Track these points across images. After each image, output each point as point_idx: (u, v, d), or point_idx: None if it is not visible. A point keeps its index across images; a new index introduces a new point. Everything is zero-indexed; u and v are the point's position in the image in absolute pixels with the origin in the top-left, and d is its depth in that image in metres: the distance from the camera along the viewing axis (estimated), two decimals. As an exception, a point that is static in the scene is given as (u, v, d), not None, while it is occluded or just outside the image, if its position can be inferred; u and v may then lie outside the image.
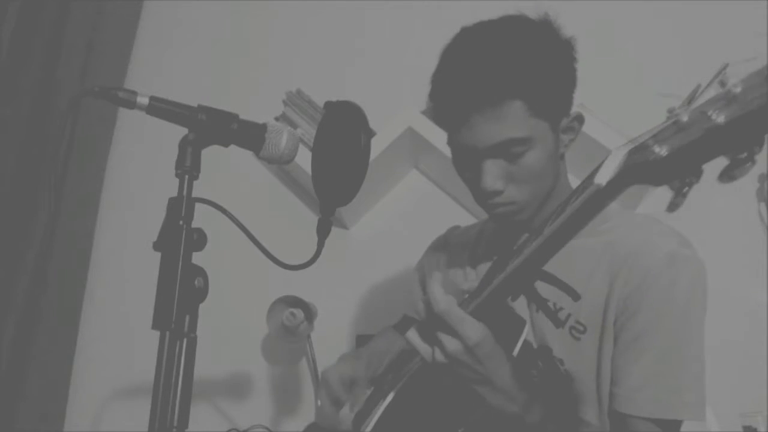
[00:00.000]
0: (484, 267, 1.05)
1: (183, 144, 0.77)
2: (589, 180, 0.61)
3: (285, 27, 2.05)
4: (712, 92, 0.50)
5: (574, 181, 1.03)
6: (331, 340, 1.75)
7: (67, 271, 1.80)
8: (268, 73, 2.00)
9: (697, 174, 0.53)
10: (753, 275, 1.63)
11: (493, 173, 0.88)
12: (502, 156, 0.87)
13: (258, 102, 1.86)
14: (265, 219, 1.43)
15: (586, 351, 0.90)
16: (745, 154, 0.50)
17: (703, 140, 0.49)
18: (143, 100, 0.76)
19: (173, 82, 2.00)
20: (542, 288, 0.94)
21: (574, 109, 0.95)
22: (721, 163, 0.52)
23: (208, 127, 0.78)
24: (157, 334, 0.70)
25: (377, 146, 1.60)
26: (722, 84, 0.48)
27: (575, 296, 0.90)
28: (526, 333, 0.86)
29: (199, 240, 0.74)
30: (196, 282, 0.73)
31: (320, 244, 0.86)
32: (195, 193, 0.76)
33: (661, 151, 0.52)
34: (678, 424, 0.86)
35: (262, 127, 0.82)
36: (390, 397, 0.92)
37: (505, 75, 0.83)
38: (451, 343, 0.75)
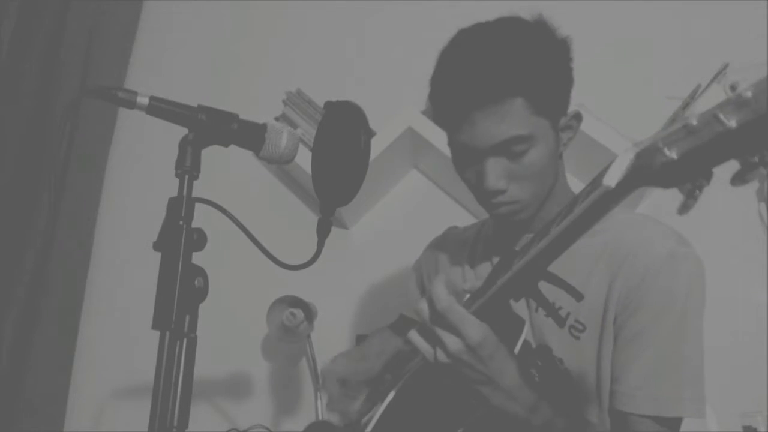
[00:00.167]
0: (483, 267, 1.05)
1: (183, 144, 0.77)
2: (597, 182, 0.60)
3: (285, 27, 2.05)
4: (715, 94, 0.51)
5: (573, 181, 1.04)
6: (331, 340, 1.75)
7: (67, 271, 1.80)
8: (268, 73, 2.01)
9: (708, 177, 0.53)
10: (753, 275, 1.63)
11: (495, 172, 0.88)
12: (504, 154, 0.87)
13: (258, 102, 1.87)
14: (265, 219, 1.43)
15: (586, 350, 0.90)
16: (757, 158, 0.50)
17: (714, 144, 0.49)
18: (143, 100, 0.76)
19: (173, 82, 2.00)
20: (544, 288, 0.94)
21: (573, 109, 0.95)
22: (730, 165, 0.52)
23: (208, 127, 0.78)
24: (157, 334, 0.70)
25: (377, 146, 1.60)
26: (732, 88, 0.49)
27: (578, 296, 0.91)
28: (526, 333, 0.86)
29: (199, 240, 0.74)
30: (196, 282, 0.73)
31: (320, 244, 0.86)
32: (195, 193, 0.76)
33: (672, 153, 0.52)
34: (678, 421, 0.86)
35: (262, 127, 0.82)
36: (389, 398, 0.92)
37: (506, 72, 0.83)
38: (453, 343, 0.75)
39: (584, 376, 0.91)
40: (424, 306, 0.78)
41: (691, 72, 1.56)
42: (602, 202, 0.60)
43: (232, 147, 0.82)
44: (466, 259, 1.10)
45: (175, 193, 0.75)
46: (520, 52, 0.85)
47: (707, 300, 0.88)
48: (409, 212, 1.86)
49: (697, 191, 0.54)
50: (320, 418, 1.64)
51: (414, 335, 0.80)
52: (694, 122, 0.51)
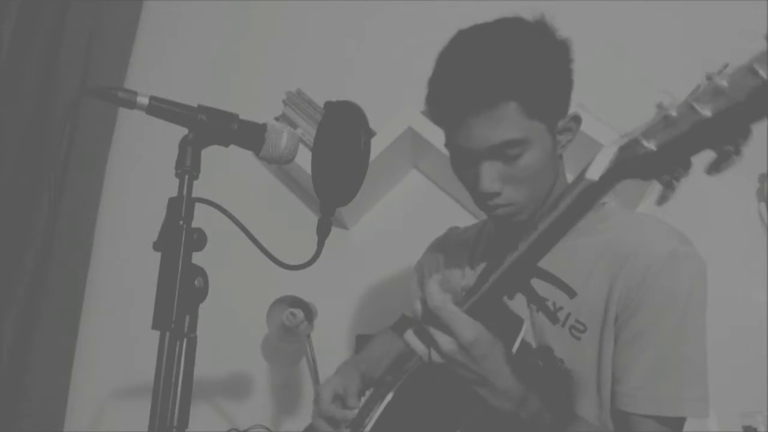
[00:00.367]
0: (484, 267, 1.05)
1: (183, 144, 0.77)
2: (581, 176, 0.61)
3: (285, 27, 2.05)
4: (701, 86, 0.51)
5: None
6: (331, 340, 1.75)
7: (67, 271, 1.80)
8: (268, 73, 2.01)
9: (686, 167, 0.54)
10: (753, 275, 1.63)
11: (490, 175, 0.88)
12: (498, 158, 0.87)
13: (258, 102, 1.87)
14: (265, 219, 1.43)
15: (587, 350, 0.90)
16: (732, 147, 0.51)
17: (691, 133, 0.50)
18: (143, 100, 0.76)
19: (173, 82, 2.00)
20: (539, 286, 0.94)
21: (573, 110, 0.95)
22: (711, 155, 0.53)
23: (208, 127, 0.78)
24: (157, 334, 0.70)
25: (377, 146, 1.60)
26: (709, 78, 0.49)
27: (571, 293, 0.90)
28: (524, 332, 0.86)
29: (199, 240, 0.74)
30: (196, 282, 0.73)
31: (320, 244, 0.86)
32: (195, 193, 0.76)
33: (651, 145, 0.53)
34: (681, 421, 0.86)
35: (262, 127, 0.82)
36: (387, 399, 0.92)
37: (500, 77, 0.84)
38: (445, 342, 0.75)
39: (585, 376, 0.91)
40: (418, 306, 0.78)
41: (691, 72, 1.56)
42: (586, 195, 0.61)
43: (232, 147, 0.82)
44: (467, 259, 1.10)
45: (175, 193, 0.75)
46: (516, 56, 0.85)
47: (708, 299, 0.88)
48: (409, 212, 1.85)
49: (674, 181, 0.55)
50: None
51: (409, 335, 0.80)
52: (674, 113, 0.52)
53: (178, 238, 0.72)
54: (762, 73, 0.46)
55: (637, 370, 0.85)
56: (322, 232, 0.87)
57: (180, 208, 0.74)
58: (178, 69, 2.06)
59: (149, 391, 0.68)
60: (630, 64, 1.79)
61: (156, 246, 0.73)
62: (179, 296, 0.70)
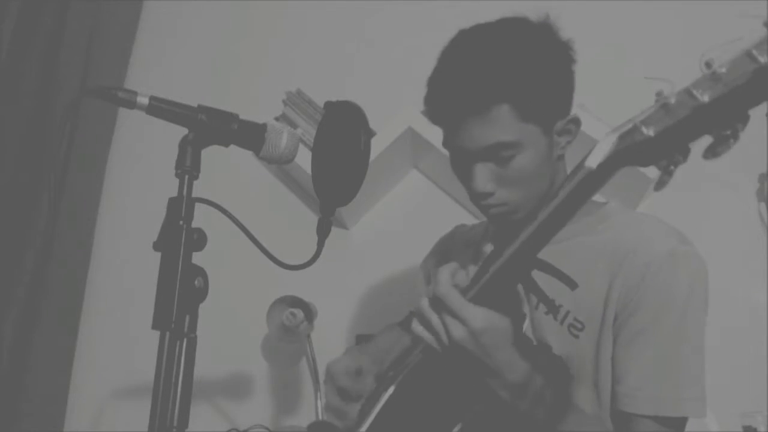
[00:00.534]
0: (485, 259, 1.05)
1: (183, 144, 0.77)
2: (580, 164, 0.62)
3: (285, 27, 2.05)
4: (699, 73, 0.53)
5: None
6: (331, 340, 1.75)
7: (67, 271, 1.80)
8: (268, 73, 2.01)
9: (684, 153, 0.55)
10: (753, 275, 1.63)
11: (483, 176, 0.89)
12: (491, 159, 0.88)
13: (258, 102, 1.87)
14: (265, 219, 1.43)
15: (585, 349, 0.90)
16: (729, 131, 0.52)
17: (689, 119, 0.51)
18: (143, 100, 0.76)
19: (173, 82, 2.00)
20: (540, 279, 0.94)
21: (574, 110, 0.95)
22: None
23: (208, 127, 0.78)
24: (157, 334, 0.70)
25: (377, 146, 1.60)
26: (708, 65, 0.50)
27: (572, 285, 0.90)
28: (525, 328, 0.86)
29: (199, 240, 0.74)
30: (196, 282, 0.73)
31: (320, 244, 0.86)
32: (195, 193, 0.76)
33: (649, 131, 0.54)
34: (681, 421, 0.86)
35: (262, 127, 0.82)
36: (388, 393, 0.92)
37: (493, 79, 0.84)
38: (456, 329, 0.75)
39: (583, 375, 0.91)
40: (428, 293, 0.79)
41: (691, 72, 1.56)
42: (585, 183, 0.62)
43: (232, 147, 0.82)
44: (473, 257, 1.10)
45: (175, 193, 0.75)
46: (511, 58, 0.85)
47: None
48: (409, 212, 1.85)
49: (672, 167, 0.56)
50: (320, 418, 1.64)
51: (417, 325, 0.80)
52: (672, 101, 0.53)
53: (178, 238, 0.72)
54: (761, 58, 0.47)
55: (637, 370, 0.85)
56: (322, 232, 0.87)
57: (180, 208, 0.74)
58: (178, 69, 2.06)
59: (149, 391, 0.68)
60: (630, 64, 1.79)
61: (156, 246, 0.74)
62: (179, 296, 0.70)
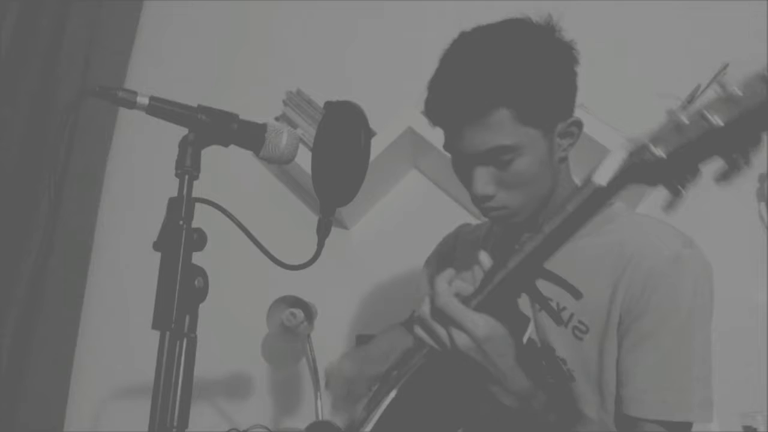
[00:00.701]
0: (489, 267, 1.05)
1: (183, 144, 0.77)
2: (588, 179, 0.62)
3: (285, 27, 2.05)
4: (712, 92, 0.51)
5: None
6: (331, 340, 1.75)
7: (67, 271, 1.80)
8: (268, 73, 2.01)
9: (694, 174, 0.54)
10: (753, 275, 1.63)
11: (483, 179, 0.89)
12: (491, 163, 0.88)
13: (258, 102, 1.86)
14: (265, 219, 1.42)
15: (589, 351, 0.90)
16: (742, 156, 0.51)
17: (701, 141, 0.50)
18: (143, 100, 0.76)
19: (173, 82, 2.00)
20: (544, 287, 0.94)
21: (574, 115, 0.94)
22: (719, 162, 0.52)
23: (208, 127, 0.78)
24: (157, 334, 0.70)
25: (377, 146, 1.60)
26: (722, 86, 0.49)
27: (577, 294, 0.90)
28: (530, 332, 0.86)
29: (199, 240, 0.74)
30: (196, 282, 0.73)
31: (320, 244, 0.86)
32: (195, 193, 0.76)
33: (660, 151, 0.53)
34: (688, 426, 0.85)
35: (262, 127, 0.82)
36: (391, 396, 0.92)
37: (492, 84, 0.84)
38: (459, 337, 0.75)
39: (587, 377, 0.91)
40: (427, 302, 0.79)
41: (691, 72, 1.56)
42: (593, 199, 0.62)
43: (232, 147, 0.82)
44: (477, 257, 1.10)
45: (175, 193, 0.75)
46: (511, 61, 0.85)
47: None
48: (409, 212, 1.85)
49: (682, 189, 0.55)
50: (320, 418, 1.64)
51: (419, 330, 0.80)
52: (684, 120, 0.52)
53: (178, 238, 0.72)
54: None
55: (642, 373, 0.85)
56: (322, 232, 0.87)
57: (180, 208, 0.74)
58: (178, 69, 2.06)
59: (149, 391, 0.68)
60: (630, 64, 1.79)
61: (156, 246, 0.74)
62: (179, 296, 0.70)
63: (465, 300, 0.78)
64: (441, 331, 0.77)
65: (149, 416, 0.67)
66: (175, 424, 0.68)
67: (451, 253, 1.19)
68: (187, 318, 0.72)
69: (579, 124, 0.94)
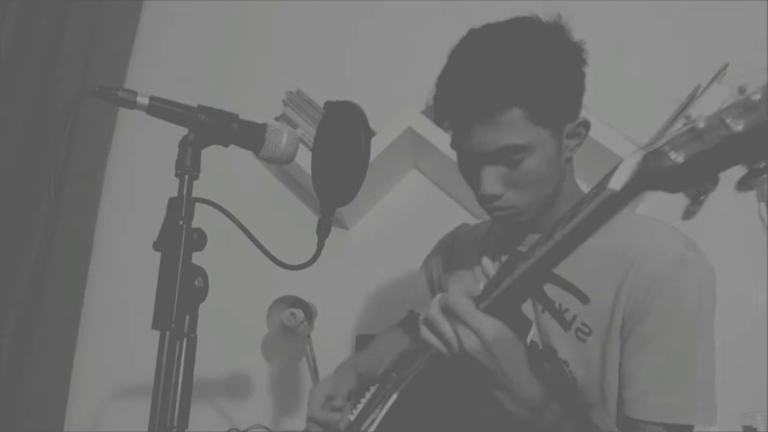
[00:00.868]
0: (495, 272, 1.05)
1: (183, 144, 0.77)
2: (602, 185, 0.60)
3: (285, 27, 2.05)
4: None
5: (579, 185, 1.03)
6: (331, 340, 1.75)
7: (67, 271, 1.80)
8: (268, 73, 2.01)
9: (714, 182, 0.52)
10: (753, 275, 1.62)
11: (491, 178, 0.88)
12: (501, 162, 0.87)
13: (258, 102, 1.87)
14: (265, 219, 1.43)
15: (592, 353, 0.90)
16: (764, 164, 0.49)
17: (721, 148, 0.49)
18: (143, 100, 0.76)
19: (173, 82, 2.00)
20: (550, 290, 0.94)
21: (582, 116, 0.94)
22: (737, 170, 0.51)
23: (208, 127, 0.78)
24: (157, 334, 0.70)
25: (377, 146, 1.60)
26: (741, 91, 0.48)
27: (584, 299, 0.90)
28: (532, 334, 0.85)
29: (199, 240, 0.74)
30: (196, 282, 0.73)
31: (320, 244, 0.86)
32: (195, 193, 0.76)
33: (678, 158, 0.51)
34: (690, 429, 0.85)
35: (262, 127, 0.82)
36: (392, 399, 0.92)
37: (505, 83, 0.83)
38: (468, 338, 0.74)
39: (589, 379, 0.91)
40: (437, 302, 0.78)
41: (691, 72, 1.56)
42: (607, 205, 0.60)
43: (232, 147, 0.82)
44: (477, 257, 1.10)
45: (175, 193, 0.75)
46: (524, 60, 0.84)
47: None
48: (409, 212, 1.85)
49: (702, 196, 0.53)
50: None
51: (426, 332, 0.79)
52: (701, 125, 0.50)
53: (178, 238, 0.72)
54: None
55: (645, 376, 0.84)
56: (322, 232, 0.87)
57: (180, 208, 0.74)
58: (178, 69, 2.06)
59: (149, 391, 0.68)
60: (630, 65, 1.79)
61: (156, 246, 0.74)
62: (179, 296, 0.70)
63: (474, 301, 0.77)
64: (449, 331, 0.76)
65: (149, 416, 0.67)
66: (175, 424, 0.68)
67: (449, 253, 1.18)
68: (187, 318, 0.72)
69: (587, 125, 0.94)
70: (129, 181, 2.00)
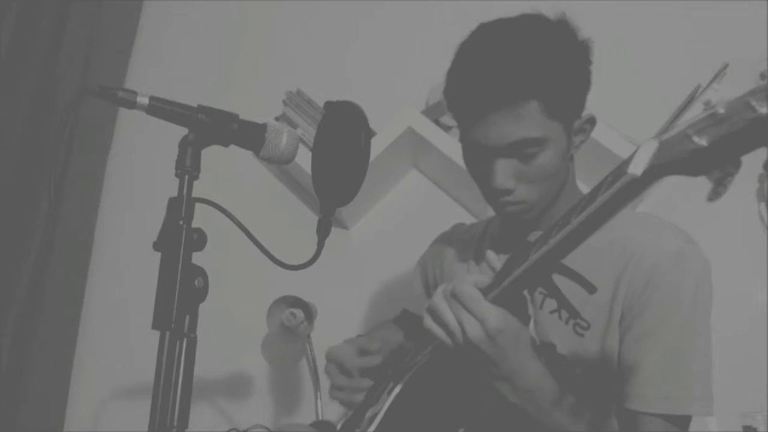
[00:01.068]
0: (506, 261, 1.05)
1: (183, 144, 0.77)
2: (620, 171, 0.60)
3: (285, 27, 2.05)
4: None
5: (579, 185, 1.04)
6: (331, 340, 1.73)
7: (67, 270, 1.80)
8: (268, 73, 2.00)
9: (737, 165, 0.53)
10: (753, 275, 1.62)
11: (505, 172, 0.88)
12: (515, 155, 0.87)
13: (258, 102, 1.86)
14: (265, 219, 1.42)
15: (590, 348, 0.90)
16: None
17: (747, 130, 0.49)
18: (143, 100, 0.76)
19: (173, 82, 2.00)
20: (558, 281, 0.94)
21: (587, 112, 0.94)
22: (759, 154, 0.52)
23: (208, 127, 0.78)
24: (157, 334, 0.70)
25: (377, 146, 1.60)
26: (762, 76, 0.48)
27: (591, 289, 0.90)
28: (530, 329, 0.85)
29: (199, 240, 0.74)
30: (196, 282, 0.73)
31: (320, 244, 0.86)
32: (195, 193, 0.76)
33: (701, 141, 0.52)
34: (688, 419, 0.86)
35: (262, 127, 0.82)
36: (395, 392, 0.92)
37: (524, 74, 0.83)
38: (472, 327, 0.74)
39: (587, 374, 0.91)
40: (441, 290, 0.78)
41: (691, 72, 1.56)
42: (627, 190, 0.60)
43: (232, 147, 0.82)
44: (472, 256, 1.10)
45: (175, 193, 0.75)
46: (540, 54, 0.84)
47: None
48: (409, 212, 1.85)
49: (729, 178, 0.53)
50: (320, 418, 1.64)
51: (429, 321, 0.79)
52: (722, 110, 0.51)
53: (178, 238, 0.72)
54: None
55: (645, 369, 0.85)
56: (322, 232, 0.87)
57: (180, 208, 0.74)
58: (178, 69, 2.06)
59: (149, 391, 0.68)
60: (629, 65, 1.78)
61: (156, 246, 0.74)
62: (179, 296, 0.70)
63: (482, 292, 0.77)
64: (452, 320, 0.76)
65: (149, 416, 0.68)
66: (175, 424, 0.68)
67: (444, 252, 1.18)
68: (187, 318, 0.72)
69: (592, 122, 0.95)
70: (129, 181, 2.00)
